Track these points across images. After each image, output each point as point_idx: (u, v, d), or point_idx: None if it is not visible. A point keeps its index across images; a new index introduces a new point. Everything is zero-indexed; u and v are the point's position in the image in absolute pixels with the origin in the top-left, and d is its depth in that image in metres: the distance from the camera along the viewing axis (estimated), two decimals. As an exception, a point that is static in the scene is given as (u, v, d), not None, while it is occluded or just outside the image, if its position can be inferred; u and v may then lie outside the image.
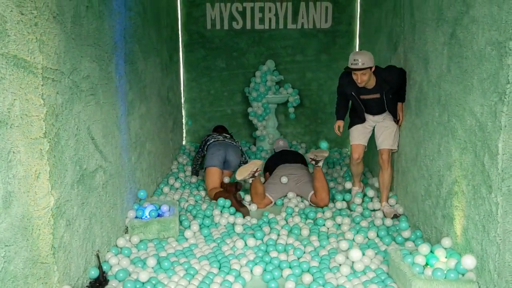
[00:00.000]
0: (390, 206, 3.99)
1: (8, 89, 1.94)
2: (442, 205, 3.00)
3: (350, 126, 4.12)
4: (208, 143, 4.86)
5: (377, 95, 3.81)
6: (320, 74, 6.21)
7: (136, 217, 3.54)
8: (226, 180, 4.66)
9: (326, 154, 4.23)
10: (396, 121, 3.90)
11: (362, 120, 4.02)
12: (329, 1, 6.06)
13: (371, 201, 4.18)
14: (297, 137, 6.45)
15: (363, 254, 3.16)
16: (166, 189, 4.53)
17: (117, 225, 3.37)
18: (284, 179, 4.44)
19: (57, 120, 2.38)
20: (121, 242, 3.30)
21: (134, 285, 2.78)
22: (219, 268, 3.07)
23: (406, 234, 3.46)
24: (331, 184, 4.74)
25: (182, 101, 6.28)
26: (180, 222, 3.77)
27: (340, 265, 3.09)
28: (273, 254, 3.24)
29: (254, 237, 3.52)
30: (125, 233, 3.53)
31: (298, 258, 3.20)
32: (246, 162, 5.09)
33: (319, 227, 3.79)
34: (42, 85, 2.22)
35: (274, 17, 6.13)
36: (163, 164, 4.96)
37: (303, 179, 4.46)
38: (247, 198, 4.43)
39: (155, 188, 4.57)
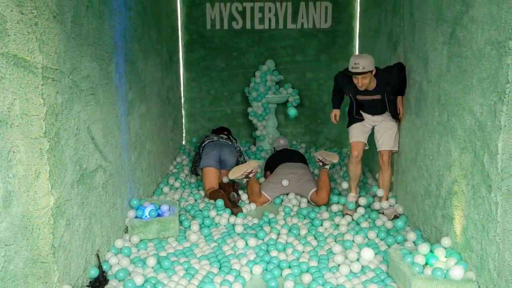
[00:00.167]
0: (390, 206, 3.99)
1: (8, 89, 1.94)
2: (441, 205, 3.00)
3: (349, 125, 4.07)
4: (203, 144, 4.88)
5: (378, 96, 3.79)
6: (320, 74, 6.22)
7: (136, 217, 3.54)
8: (225, 179, 4.66)
9: (335, 160, 4.17)
10: (397, 118, 3.87)
11: (361, 119, 4.00)
12: (329, 1, 6.07)
13: (373, 201, 4.18)
14: (297, 137, 6.46)
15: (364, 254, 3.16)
16: (166, 189, 4.54)
17: (117, 225, 3.37)
18: (285, 182, 4.46)
19: (57, 120, 2.38)
20: (121, 242, 3.30)
21: (135, 285, 2.78)
22: (220, 268, 3.07)
23: (412, 236, 3.34)
24: (331, 184, 4.73)
25: (182, 101, 6.28)
26: (180, 222, 3.77)
27: (339, 265, 3.09)
28: (273, 253, 3.25)
29: (256, 237, 3.53)
30: (125, 232, 3.53)
31: (298, 258, 3.20)
32: (244, 162, 5.10)
33: (316, 227, 3.79)
34: (42, 84, 2.22)
35: (274, 17, 6.14)
36: (163, 163, 4.96)
37: (303, 178, 4.47)
38: (244, 196, 4.43)
39: (155, 187, 4.57)
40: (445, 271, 2.61)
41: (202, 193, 4.59)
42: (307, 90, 6.30)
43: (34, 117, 2.15)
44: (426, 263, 2.77)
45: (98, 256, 2.89)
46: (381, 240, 3.50)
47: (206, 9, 6.10)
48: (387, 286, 2.80)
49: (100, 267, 2.85)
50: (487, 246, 2.39)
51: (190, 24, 6.14)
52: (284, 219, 3.97)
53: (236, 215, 3.99)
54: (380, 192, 4.02)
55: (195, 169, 4.99)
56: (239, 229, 3.67)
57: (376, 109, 3.90)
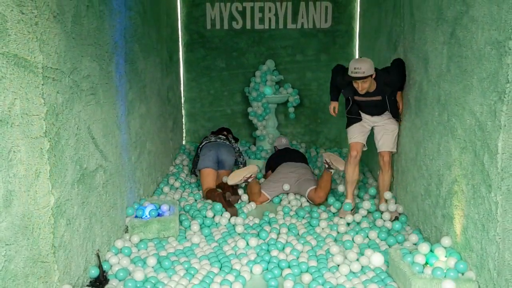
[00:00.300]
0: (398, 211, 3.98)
1: (8, 88, 1.94)
2: (441, 205, 3.01)
3: (348, 125, 4.03)
4: (201, 145, 4.89)
5: (379, 98, 3.76)
6: (320, 74, 6.22)
7: (136, 217, 3.54)
8: (225, 179, 4.67)
9: (341, 168, 4.14)
10: (398, 118, 3.83)
11: (359, 119, 3.96)
12: (329, 1, 6.07)
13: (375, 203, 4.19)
14: (297, 137, 6.46)
15: (362, 255, 3.16)
16: (166, 189, 4.54)
17: (117, 225, 3.37)
18: (286, 187, 4.47)
19: (57, 120, 2.38)
20: (121, 242, 3.31)
21: (135, 284, 2.79)
22: (220, 268, 3.07)
23: (414, 238, 3.30)
24: (332, 185, 4.73)
25: (182, 101, 6.29)
26: (180, 222, 3.77)
27: (338, 265, 3.09)
28: (274, 253, 3.25)
29: (258, 236, 3.53)
30: (125, 232, 3.53)
31: (297, 258, 3.20)
32: (244, 163, 5.09)
33: (314, 227, 3.78)
34: (42, 84, 2.22)
35: (274, 17, 6.14)
36: (163, 163, 4.97)
37: (304, 177, 4.50)
38: (245, 197, 4.43)
39: (155, 187, 4.57)
40: (445, 271, 2.61)
41: (201, 193, 4.59)
42: (307, 90, 6.30)
43: (35, 117, 2.15)
44: (426, 263, 2.77)
45: (98, 256, 2.89)
46: (381, 240, 3.50)
47: (206, 9, 6.10)
48: (387, 285, 2.80)
49: (100, 266, 2.85)
50: (487, 245, 2.39)
51: (190, 24, 6.14)
52: (284, 219, 3.98)
53: (233, 215, 3.98)
54: (388, 195, 3.93)
55: (194, 170, 5.00)
56: (239, 229, 3.67)
57: (376, 110, 3.87)
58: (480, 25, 2.43)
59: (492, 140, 2.31)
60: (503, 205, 2.23)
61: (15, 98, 1.99)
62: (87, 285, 2.74)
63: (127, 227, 3.52)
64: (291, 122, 6.42)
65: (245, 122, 6.39)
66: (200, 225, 3.78)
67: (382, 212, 3.92)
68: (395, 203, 4.00)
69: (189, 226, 3.73)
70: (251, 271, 3.06)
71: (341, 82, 3.83)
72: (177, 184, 4.75)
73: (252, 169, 4.22)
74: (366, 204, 3.97)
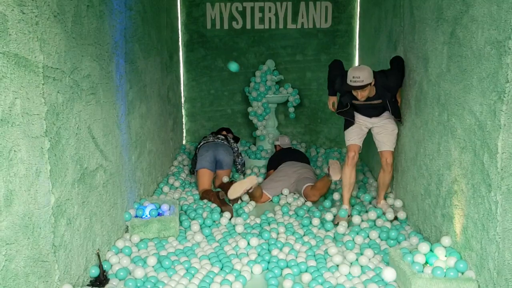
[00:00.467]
0: (390, 206, 3.99)
1: (9, 88, 1.95)
2: (441, 204, 3.01)
3: (345, 128, 3.98)
4: (199, 146, 4.89)
5: (379, 101, 3.72)
6: (320, 74, 6.22)
7: (136, 216, 3.54)
8: (225, 179, 4.67)
9: (335, 178, 4.11)
10: (400, 118, 3.78)
11: (353, 123, 3.90)
12: (329, 1, 6.07)
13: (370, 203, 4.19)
14: (297, 137, 6.46)
15: (359, 257, 3.16)
16: (166, 189, 4.54)
17: (118, 224, 3.37)
18: (285, 191, 4.48)
19: (57, 119, 2.38)
20: (121, 241, 3.31)
21: (135, 284, 2.79)
22: (221, 268, 3.07)
23: (414, 241, 3.26)
24: (332, 186, 4.72)
25: (182, 100, 6.29)
26: (180, 222, 3.77)
27: (338, 265, 3.09)
28: (274, 252, 3.25)
29: (260, 236, 3.53)
30: (126, 232, 3.53)
31: (296, 257, 3.21)
32: (243, 164, 5.08)
33: (311, 227, 3.78)
34: (43, 84, 2.23)
35: (274, 17, 6.14)
36: (163, 163, 4.97)
37: (305, 175, 4.53)
38: (245, 197, 4.43)
39: (155, 187, 4.58)
40: (445, 270, 2.61)
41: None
42: (307, 90, 6.31)
43: (35, 116, 2.16)
44: (426, 262, 2.78)
45: (98, 255, 2.89)
46: (382, 240, 3.50)
47: (206, 9, 6.11)
48: (387, 285, 2.80)
49: (100, 266, 2.85)
50: (487, 245, 2.39)
51: (190, 24, 6.14)
52: (283, 217, 3.98)
53: (229, 212, 3.99)
54: (398, 203, 3.84)
55: (194, 170, 5.01)
56: (240, 228, 3.67)
57: (375, 112, 3.83)
58: (480, 25, 2.43)
59: (492, 139, 2.32)
60: (503, 204, 2.24)
61: (15, 98, 1.99)
62: (87, 285, 2.74)
63: (127, 226, 3.52)
64: (291, 122, 6.42)
65: (245, 122, 6.40)
66: (201, 225, 3.78)
67: (384, 213, 3.91)
68: (394, 201, 4.00)
69: (189, 226, 3.73)
70: (251, 271, 3.06)
71: (339, 88, 3.76)
72: (177, 183, 4.75)
73: (251, 180, 4.19)
74: (372, 214, 3.82)
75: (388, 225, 3.72)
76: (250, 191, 4.24)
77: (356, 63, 6.10)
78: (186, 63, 6.23)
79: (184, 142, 6.34)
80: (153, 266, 3.07)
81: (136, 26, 3.89)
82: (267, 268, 3.11)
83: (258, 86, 5.98)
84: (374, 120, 3.87)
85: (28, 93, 2.09)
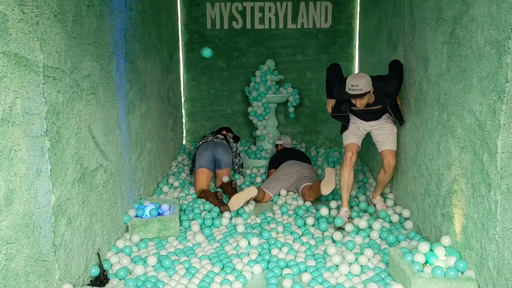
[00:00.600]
0: (388, 207, 3.98)
1: (9, 88, 1.95)
2: (441, 204, 3.01)
3: (342, 131, 3.94)
4: (198, 145, 4.89)
5: (379, 107, 3.70)
6: (320, 74, 6.22)
7: (137, 216, 3.54)
8: (226, 179, 4.67)
9: (323, 192, 3.99)
10: (401, 120, 3.75)
11: (354, 123, 3.87)
12: (329, 1, 6.07)
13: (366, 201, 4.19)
14: (297, 137, 6.47)
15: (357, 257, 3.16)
16: (166, 188, 4.55)
17: (118, 224, 3.38)
18: (283, 192, 4.48)
19: (58, 119, 2.39)
20: (121, 241, 3.31)
21: (135, 283, 2.79)
22: (222, 268, 3.07)
23: (414, 243, 3.25)
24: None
25: (182, 100, 6.29)
26: (181, 223, 3.77)
27: (337, 265, 3.09)
28: (274, 252, 3.26)
29: (260, 236, 3.53)
30: (126, 232, 3.53)
31: (295, 257, 3.21)
32: (240, 165, 5.06)
33: (308, 227, 3.78)
34: (43, 83, 2.23)
35: (274, 17, 6.14)
36: (163, 163, 4.97)
37: (306, 175, 4.53)
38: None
39: (155, 187, 4.58)
40: (444, 270, 2.61)
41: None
42: (307, 90, 6.31)
43: (36, 116, 2.16)
44: (426, 262, 2.78)
45: (98, 255, 2.90)
46: (382, 240, 3.50)
47: (206, 9, 6.11)
48: (387, 285, 2.80)
49: (101, 265, 2.86)
50: (486, 244, 2.40)
51: (190, 24, 6.15)
52: (282, 217, 3.99)
53: (227, 211, 3.99)
54: (406, 213, 3.70)
55: (193, 170, 5.01)
56: (240, 228, 3.67)
57: (374, 116, 3.79)
58: (480, 25, 2.44)
59: (491, 139, 2.32)
60: (502, 204, 2.24)
61: (16, 97, 1.99)
62: (87, 284, 2.75)
63: (128, 226, 3.53)
64: (291, 121, 6.42)
65: (245, 121, 6.40)
66: (200, 226, 3.78)
67: (375, 204, 3.89)
68: (394, 205, 4.01)
69: (189, 226, 3.73)
70: (251, 270, 3.06)
71: (337, 95, 3.70)
72: (176, 183, 4.75)
73: (251, 192, 4.16)
74: (377, 226, 3.68)
75: (387, 225, 3.72)
76: (250, 200, 4.24)
77: (356, 63, 6.10)
78: (186, 63, 6.23)
79: (184, 142, 6.34)
80: (153, 266, 3.07)
81: (136, 26, 3.89)
82: (267, 268, 3.11)
83: (258, 86, 5.98)
84: (372, 123, 3.84)
85: (28, 92, 2.10)
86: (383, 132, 3.81)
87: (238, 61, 6.25)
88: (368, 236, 3.53)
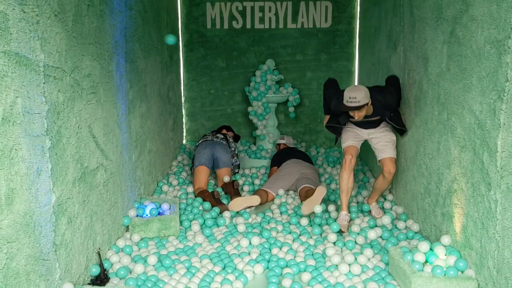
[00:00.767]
0: (383, 215, 3.91)
1: (10, 87, 1.95)
2: (441, 203, 3.01)
3: (336, 140, 3.92)
4: (198, 144, 4.90)
5: (377, 117, 3.66)
6: (320, 74, 6.23)
7: (137, 216, 3.55)
8: (226, 179, 4.67)
9: (304, 211, 3.93)
10: (404, 128, 3.69)
11: (353, 129, 3.83)
12: (329, 1, 6.07)
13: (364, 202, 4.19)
14: (297, 136, 6.47)
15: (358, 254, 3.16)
16: (166, 188, 4.55)
17: (118, 223, 3.38)
18: (281, 192, 4.46)
19: (58, 118, 2.39)
20: (122, 240, 3.32)
21: (136, 283, 2.80)
22: (223, 268, 3.07)
23: (414, 243, 3.24)
24: (333, 186, 4.72)
25: (182, 100, 6.29)
26: (181, 222, 3.78)
27: (337, 265, 3.09)
28: (274, 251, 3.26)
29: (261, 235, 3.53)
30: (126, 231, 3.54)
31: (295, 257, 3.21)
32: (238, 166, 5.04)
33: (307, 227, 3.78)
34: (43, 83, 2.23)
35: (274, 17, 6.14)
36: (164, 162, 4.98)
37: (308, 175, 4.53)
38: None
39: (156, 186, 4.58)
40: (444, 269, 2.62)
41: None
42: (307, 90, 6.31)
43: (36, 115, 2.16)
44: (426, 261, 2.78)
45: (99, 254, 2.90)
46: (383, 240, 3.50)
47: (206, 9, 6.11)
48: (387, 284, 2.81)
49: (101, 265, 2.86)
50: (486, 243, 2.40)
51: (190, 24, 6.15)
52: (281, 216, 3.99)
53: (225, 210, 3.98)
54: (408, 220, 3.67)
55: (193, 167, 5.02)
56: (241, 228, 3.68)
57: (372, 125, 3.75)
58: (480, 24, 2.44)
59: (491, 138, 2.32)
60: (502, 203, 2.24)
61: (16, 97, 2.00)
62: (88, 283, 2.75)
63: (128, 225, 3.53)
64: (291, 121, 6.43)
65: (245, 121, 6.40)
66: (201, 226, 3.78)
67: (372, 213, 3.89)
68: (393, 206, 4.00)
69: (189, 226, 3.73)
70: (252, 270, 3.06)
71: (335, 109, 3.66)
72: (176, 183, 4.75)
73: (254, 201, 4.15)
74: (377, 232, 3.62)
75: (388, 224, 3.72)
76: (251, 208, 4.24)
77: (356, 62, 6.10)
78: (186, 62, 6.23)
79: (184, 141, 6.35)
80: (153, 265, 3.08)
81: (136, 25, 3.90)
82: (267, 267, 3.11)
83: (258, 86, 5.99)
84: (371, 130, 3.79)
85: (29, 92, 2.10)
86: (382, 140, 3.74)
87: (238, 61, 6.25)
88: (368, 236, 3.53)
